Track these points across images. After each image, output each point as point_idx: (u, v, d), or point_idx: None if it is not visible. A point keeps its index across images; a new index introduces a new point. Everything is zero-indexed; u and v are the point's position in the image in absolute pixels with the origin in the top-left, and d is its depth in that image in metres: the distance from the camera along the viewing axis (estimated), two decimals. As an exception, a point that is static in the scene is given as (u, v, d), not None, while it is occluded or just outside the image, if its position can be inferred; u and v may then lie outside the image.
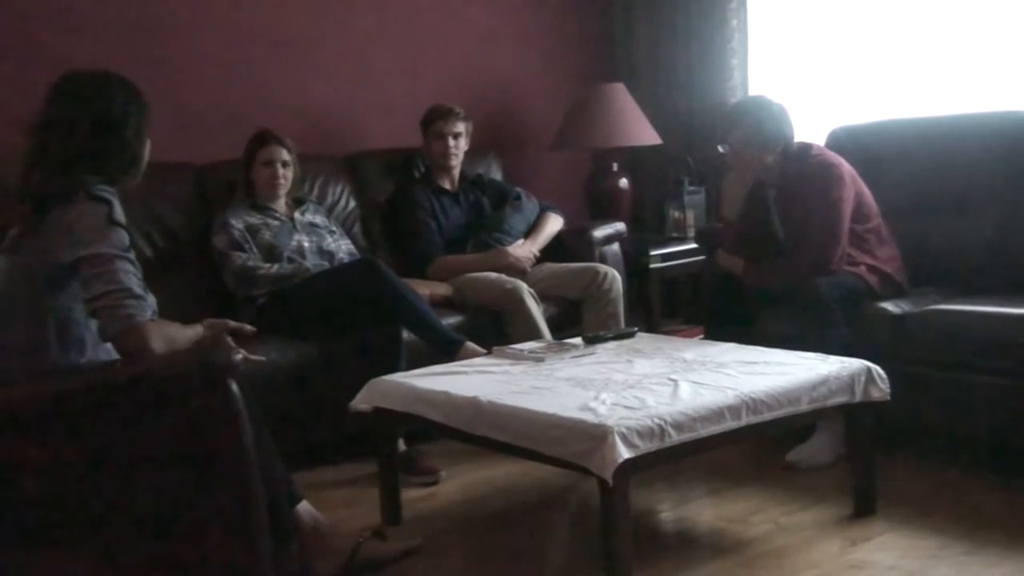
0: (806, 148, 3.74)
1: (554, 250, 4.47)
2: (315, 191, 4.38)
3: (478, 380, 3.02)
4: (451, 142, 4.40)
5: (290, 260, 3.91)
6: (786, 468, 3.41)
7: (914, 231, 3.86)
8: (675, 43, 5.30)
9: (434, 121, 4.40)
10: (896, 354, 3.38)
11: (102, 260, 2.33)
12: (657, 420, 2.51)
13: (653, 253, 4.87)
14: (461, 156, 4.47)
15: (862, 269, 3.61)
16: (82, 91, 2.48)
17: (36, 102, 2.51)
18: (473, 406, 2.80)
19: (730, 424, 2.64)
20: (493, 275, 4.14)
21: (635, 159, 5.43)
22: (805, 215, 3.63)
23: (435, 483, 3.53)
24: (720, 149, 3.81)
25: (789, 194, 3.71)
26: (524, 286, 4.01)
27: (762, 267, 3.72)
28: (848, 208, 3.61)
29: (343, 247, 4.12)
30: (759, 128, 3.67)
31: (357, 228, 4.47)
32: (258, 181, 4.00)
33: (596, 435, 2.45)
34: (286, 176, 4.02)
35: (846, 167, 3.67)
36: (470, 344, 3.60)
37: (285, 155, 4.01)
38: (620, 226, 4.65)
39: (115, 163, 2.46)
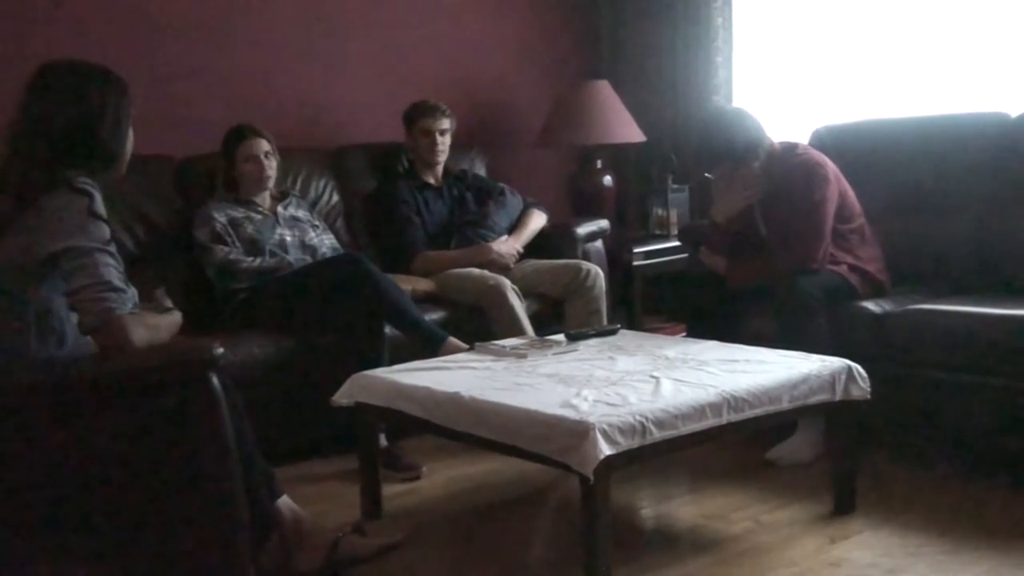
0: (791, 148, 3.75)
1: (537, 247, 4.47)
2: (298, 185, 4.37)
3: (460, 376, 3.02)
4: (439, 139, 4.40)
5: (272, 254, 3.90)
6: (767, 465, 3.43)
7: (896, 231, 3.87)
8: (660, 41, 5.31)
9: (421, 118, 4.39)
10: (877, 353, 3.40)
11: (82, 253, 2.32)
12: (638, 417, 2.51)
13: (636, 250, 4.88)
14: (447, 152, 4.47)
15: (843, 268, 3.62)
16: (59, 85, 2.46)
17: (16, 93, 2.49)
18: (455, 402, 2.80)
19: (711, 421, 2.65)
20: (476, 271, 4.14)
21: (619, 156, 5.44)
22: (789, 214, 3.64)
23: (416, 479, 3.53)
24: (709, 176, 3.80)
25: (773, 193, 3.71)
26: (507, 282, 4.01)
27: (745, 265, 3.73)
28: (832, 207, 3.63)
29: (326, 241, 4.11)
30: (733, 152, 3.65)
31: (340, 223, 4.46)
32: (244, 177, 3.99)
33: (578, 432, 2.45)
34: (271, 167, 4.01)
35: (830, 166, 3.68)
36: (453, 340, 3.60)
37: (266, 146, 3.99)
38: (604, 223, 4.65)
39: (94, 157, 2.44)
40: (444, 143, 4.43)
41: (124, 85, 2.53)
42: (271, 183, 4.04)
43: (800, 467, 3.40)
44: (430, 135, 4.39)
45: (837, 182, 3.68)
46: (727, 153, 3.66)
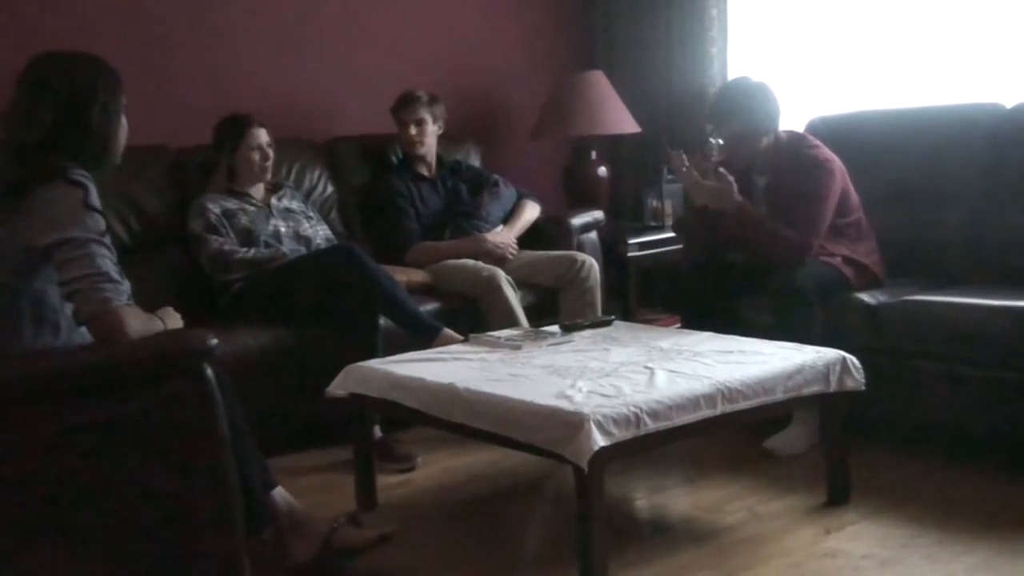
0: (800, 139, 3.76)
1: (532, 238, 4.47)
2: (292, 176, 4.36)
3: (455, 367, 3.02)
4: (413, 130, 4.39)
5: (267, 245, 3.90)
6: (761, 456, 3.43)
7: (891, 222, 3.87)
8: (655, 31, 5.31)
9: (398, 110, 4.40)
10: (871, 344, 3.40)
11: (77, 244, 2.32)
12: (633, 408, 2.51)
13: (631, 242, 4.88)
14: (429, 142, 4.44)
15: (838, 260, 3.62)
16: (45, 75, 2.45)
17: (10, 84, 2.48)
18: (450, 393, 2.80)
19: (705, 413, 2.65)
20: (470, 262, 4.13)
21: (614, 147, 5.44)
22: (790, 202, 3.63)
23: (411, 470, 3.53)
24: (712, 141, 3.79)
25: (778, 184, 3.71)
26: (501, 273, 4.00)
27: (752, 211, 3.66)
28: (833, 203, 3.63)
29: (320, 233, 4.11)
30: (750, 119, 3.66)
31: (334, 214, 4.45)
32: (247, 166, 3.98)
33: (572, 423, 2.45)
34: (271, 157, 4.01)
35: (837, 163, 3.68)
36: (447, 331, 3.60)
37: (266, 136, 4.00)
38: (598, 214, 4.65)
39: (85, 147, 2.43)
40: (422, 133, 4.40)
41: (114, 74, 2.51)
42: (270, 173, 4.04)
43: (795, 458, 3.40)
44: (405, 126, 4.39)
45: (842, 178, 3.68)
46: (743, 116, 3.66)
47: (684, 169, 3.72)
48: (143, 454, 1.98)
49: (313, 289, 3.66)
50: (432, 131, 4.44)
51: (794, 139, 3.75)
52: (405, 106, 4.39)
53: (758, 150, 3.70)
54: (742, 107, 3.68)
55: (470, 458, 3.57)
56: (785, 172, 3.69)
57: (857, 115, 4.32)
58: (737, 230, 3.68)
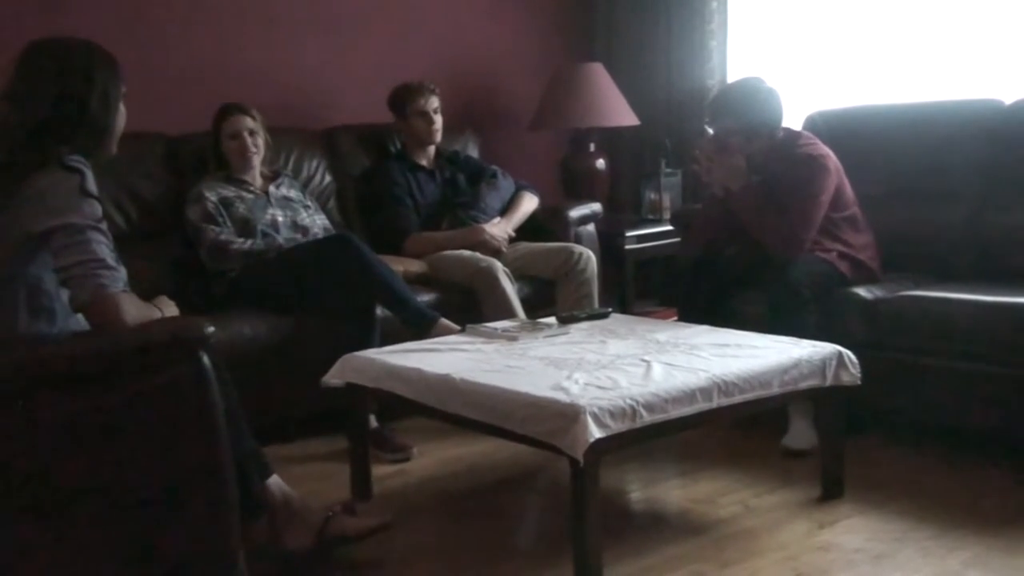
0: (795, 137, 3.75)
1: (529, 229, 4.47)
2: (290, 165, 4.35)
3: (451, 358, 3.01)
4: (435, 117, 4.39)
5: (264, 234, 3.89)
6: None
7: (889, 217, 3.88)
8: (655, 23, 5.30)
9: (414, 100, 4.37)
10: (867, 339, 3.40)
11: (74, 231, 2.31)
12: (629, 401, 2.51)
13: (628, 234, 4.87)
14: (441, 129, 4.46)
15: (833, 255, 3.62)
16: (44, 60, 2.44)
17: (8, 70, 2.48)
18: (446, 383, 2.80)
19: (701, 406, 2.65)
20: (468, 253, 4.13)
21: (612, 140, 5.43)
22: (785, 199, 3.63)
23: (406, 460, 3.53)
24: (709, 130, 3.79)
25: (772, 181, 3.71)
26: (499, 264, 4.00)
27: (755, 198, 3.67)
28: (827, 199, 3.63)
29: (318, 222, 4.10)
30: (743, 119, 3.66)
31: (332, 203, 4.45)
32: (229, 154, 3.98)
33: (568, 415, 2.45)
34: (256, 144, 4.00)
35: (832, 159, 3.68)
36: (444, 321, 3.59)
37: (250, 123, 3.98)
38: (596, 206, 4.65)
39: (83, 133, 2.42)
40: (439, 121, 4.42)
41: (112, 60, 2.51)
42: (256, 160, 4.02)
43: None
44: (425, 116, 4.38)
45: (837, 174, 3.68)
46: (737, 116, 3.67)
47: (705, 161, 3.73)
48: (138, 442, 1.98)
49: (310, 278, 3.66)
50: (441, 119, 4.44)
51: (789, 137, 3.75)
52: (424, 95, 4.37)
53: (748, 149, 3.69)
54: (741, 106, 3.68)
55: (466, 449, 3.57)
56: (779, 170, 3.69)
57: (856, 110, 4.32)
58: (740, 211, 3.67)
